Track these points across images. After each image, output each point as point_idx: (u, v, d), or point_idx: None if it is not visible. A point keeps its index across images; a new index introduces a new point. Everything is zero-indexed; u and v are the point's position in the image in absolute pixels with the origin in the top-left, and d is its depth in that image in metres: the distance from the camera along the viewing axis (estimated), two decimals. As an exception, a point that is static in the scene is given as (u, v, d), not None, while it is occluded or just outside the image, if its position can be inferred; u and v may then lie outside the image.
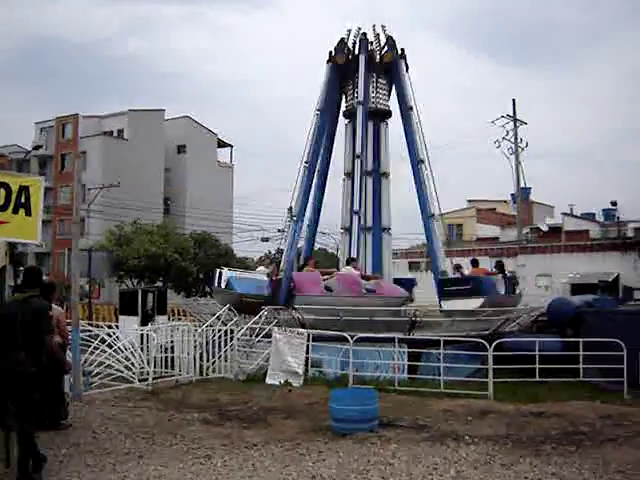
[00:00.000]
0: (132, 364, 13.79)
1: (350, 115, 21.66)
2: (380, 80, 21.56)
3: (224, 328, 15.66)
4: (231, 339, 15.30)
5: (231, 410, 11.34)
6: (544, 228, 39.23)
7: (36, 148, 57.48)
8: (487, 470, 7.76)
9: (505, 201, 54.05)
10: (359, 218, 19.94)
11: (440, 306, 18.25)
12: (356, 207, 19.96)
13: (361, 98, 20.76)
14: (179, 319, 25.31)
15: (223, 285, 20.62)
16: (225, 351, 15.27)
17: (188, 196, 66.09)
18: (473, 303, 17.07)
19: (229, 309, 17.74)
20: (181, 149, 70.51)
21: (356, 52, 21.59)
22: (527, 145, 41.73)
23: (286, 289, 17.96)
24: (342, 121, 22.03)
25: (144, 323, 18.77)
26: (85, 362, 13.12)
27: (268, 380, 14.33)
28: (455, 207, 49.67)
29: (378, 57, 21.50)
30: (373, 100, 21.39)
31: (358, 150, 20.46)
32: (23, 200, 9.60)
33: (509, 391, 12.65)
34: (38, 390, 7.32)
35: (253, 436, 9.47)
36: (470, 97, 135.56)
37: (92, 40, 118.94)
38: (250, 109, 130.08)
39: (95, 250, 26.41)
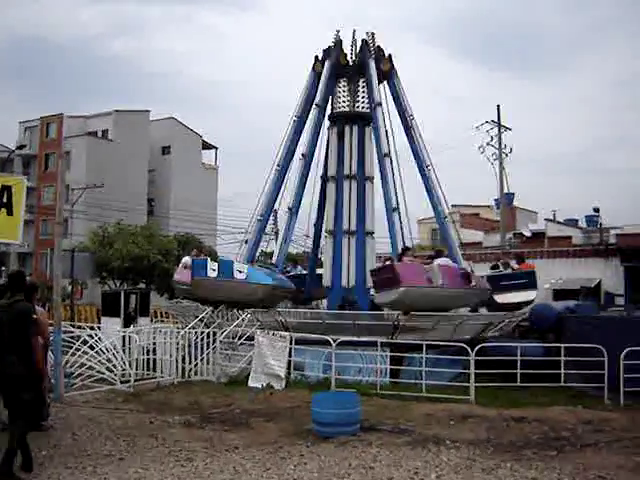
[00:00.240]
0: (114, 366, 13.76)
1: (335, 119, 21.74)
2: (361, 84, 21.69)
3: (207, 330, 15.64)
4: (214, 341, 15.28)
5: (213, 413, 11.33)
6: (527, 233, 39.30)
7: (20, 147, 56.95)
8: (468, 474, 7.80)
9: (489, 206, 54.20)
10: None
11: (493, 300, 18.66)
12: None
13: (378, 99, 20.77)
14: (162, 321, 25.23)
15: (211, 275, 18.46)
16: (208, 353, 15.24)
17: (172, 197, 65.68)
18: (529, 295, 19.03)
19: (262, 304, 17.34)
20: (166, 150, 70.04)
21: (348, 57, 21.79)
22: (511, 151, 41.87)
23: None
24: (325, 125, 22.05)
25: (126, 325, 18.64)
26: (67, 363, 13.08)
27: (250, 383, 14.31)
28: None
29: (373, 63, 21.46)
30: (357, 105, 21.66)
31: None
32: (5, 200, 9.57)
33: (491, 396, 12.70)
34: (29, 391, 7.50)
35: (235, 439, 9.47)
36: (454, 103, 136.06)
37: (77, 40, 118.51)
38: (234, 110, 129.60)
39: (78, 251, 26.15)
